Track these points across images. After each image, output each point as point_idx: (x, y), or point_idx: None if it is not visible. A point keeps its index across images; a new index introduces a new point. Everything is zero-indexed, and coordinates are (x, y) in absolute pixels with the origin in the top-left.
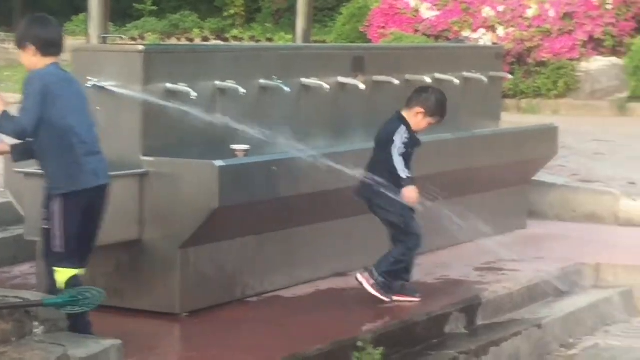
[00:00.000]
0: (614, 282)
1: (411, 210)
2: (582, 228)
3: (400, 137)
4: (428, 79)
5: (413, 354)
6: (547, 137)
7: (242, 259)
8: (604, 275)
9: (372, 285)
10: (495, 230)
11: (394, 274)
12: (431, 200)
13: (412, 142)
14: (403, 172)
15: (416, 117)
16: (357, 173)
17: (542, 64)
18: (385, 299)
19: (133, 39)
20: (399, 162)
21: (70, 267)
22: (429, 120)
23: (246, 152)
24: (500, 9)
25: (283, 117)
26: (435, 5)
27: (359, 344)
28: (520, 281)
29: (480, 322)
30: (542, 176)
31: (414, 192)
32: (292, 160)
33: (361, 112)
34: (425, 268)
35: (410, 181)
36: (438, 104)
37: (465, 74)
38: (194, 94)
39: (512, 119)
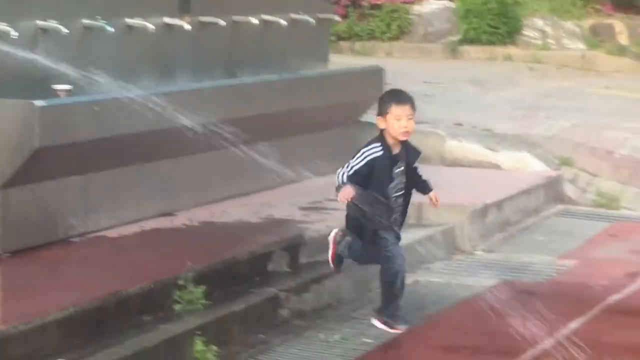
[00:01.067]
0: (436, 220)
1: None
2: None
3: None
4: (255, 21)
5: (235, 292)
6: (373, 78)
7: (65, 199)
8: (426, 214)
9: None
10: (323, 170)
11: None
12: (255, 142)
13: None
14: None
15: (383, 125)
16: (183, 114)
17: (376, 6)
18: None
19: None
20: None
21: None
22: (389, 117)
23: (68, 92)
24: None
25: (107, 58)
26: None
27: (180, 282)
28: (343, 220)
29: (303, 260)
30: (370, 117)
31: (344, 193)
32: (115, 101)
33: (187, 53)
34: (251, 208)
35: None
36: (382, 98)
37: (293, 15)
38: (14, 33)
39: (344, 61)
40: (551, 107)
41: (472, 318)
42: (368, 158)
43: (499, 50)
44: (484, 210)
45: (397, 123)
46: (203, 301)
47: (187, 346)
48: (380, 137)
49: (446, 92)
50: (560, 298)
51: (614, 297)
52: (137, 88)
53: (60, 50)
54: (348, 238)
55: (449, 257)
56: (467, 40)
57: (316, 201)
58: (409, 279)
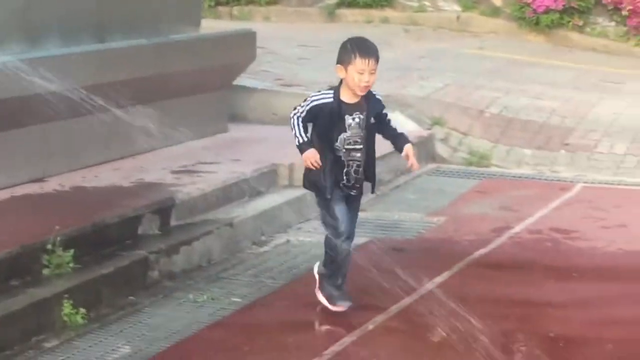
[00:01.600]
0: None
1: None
2: (281, 131)
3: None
4: None
5: (105, 255)
6: (245, 42)
7: None
8: (298, 175)
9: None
10: (196, 134)
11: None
12: (127, 107)
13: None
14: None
15: (342, 75)
16: (52, 79)
17: None
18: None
19: None
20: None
21: None
22: (350, 69)
23: None
24: None
25: None
26: None
27: (49, 246)
28: (215, 182)
29: (174, 223)
30: (243, 81)
31: (308, 157)
32: None
33: (55, 19)
34: (123, 172)
35: (306, 146)
36: (345, 46)
37: None
38: None
39: (222, 26)
40: (425, 68)
41: None
42: (312, 104)
43: (376, 12)
44: None
45: (358, 77)
46: (72, 265)
47: (55, 309)
48: (337, 86)
49: (322, 54)
50: (428, 253)
51: (480, 252)
52: (3, 54)
53: None
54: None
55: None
56: (345, 4)
57: (188, 164)
58: (281, 239)
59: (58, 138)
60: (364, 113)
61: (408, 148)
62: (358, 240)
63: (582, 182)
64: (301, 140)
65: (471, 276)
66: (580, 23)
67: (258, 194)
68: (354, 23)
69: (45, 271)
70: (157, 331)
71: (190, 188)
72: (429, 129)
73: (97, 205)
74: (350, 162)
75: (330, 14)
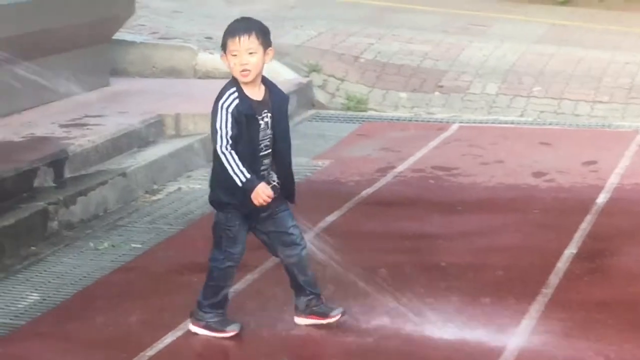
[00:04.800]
0: (194, 130)
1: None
2: (162, 83)
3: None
4: None
5: (4, 207)
6: None
7: None
8: (184, 124)
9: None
10: (79, 88)
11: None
12: (10, 63)
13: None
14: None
15: (227, 65)
16: None
17: None
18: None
19: None
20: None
21: None
22: (228, 54)
23: None
24: None
25: None
26: None
27: None
28: (105, 134)
29: (68, 174)
30: (122, 35)
31: (259, 191)
32: None
33: None
34: (12, 128)
35: (251, 182)
36: (225, 30)
37: None
38: None
39: None
40: (298, 17)
41: None
42: (230, 110)
43: None
44: None
45: (232, 60)
46: None
47: None
48: (233, 81)
49: (195, 7)
50: (318, 195)
51: (367, 191)
52: None
53: None
54: None
55: (208, 165)
56: None
57: (76, 118)
58: (173, 187)
59: None
60: (269, 110)
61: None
62: None
63: (458, 122)
64: (244, 178)
65: (361, 214)
66: None
67: (147, 144)
68: None
69: None
70: (63, 278)
71: (81, 140)
72: (307, 76)
73: None
74: (260, 171)
75: None
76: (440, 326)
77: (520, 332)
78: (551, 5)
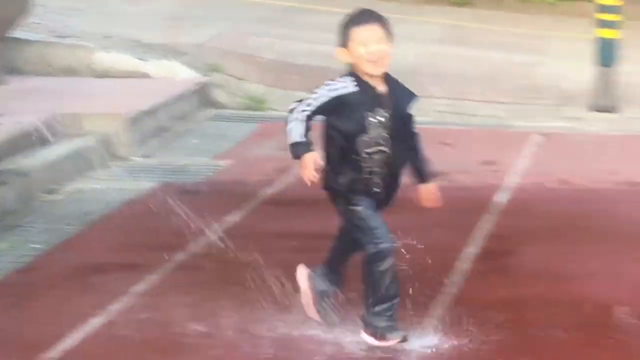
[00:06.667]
0: (92, 129)
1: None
2: (60, 81)
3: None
4: None
5: None
6: None
7: None
8: (82, 124)
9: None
10: None
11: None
12: None
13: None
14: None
15: (350, 57)
16: None
17: None
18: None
19: None
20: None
21: None
22: (352, 45)
23: None
24: None
25: None
26: None
27: None
28: (3, 134)
29: None
30: (16, 33)
31: (307, 161)
32: None
33: None
34: None
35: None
36: (341, 25)
37: None
38: None
39: None
40: (198, 16)
41: (136, 218)
42: (333, 93)
43: None
44: (138, 118)
45: (364, 50)
46: None
47: None
48: (351, 71)
49: (93, 5)
50: (219, 195)
51: (267, 191)
52: None
53: None
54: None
55: (108, 165)
56: None
57: None
58: (72, 187)
59: None
60: (389, 108)
61: (431, 186)
62: (147, 184)
63: None
64: (298, 139)
65: (263, 213)
66: None
67: (45, 144)
68: None
69: None
70: None
71: None
72: (207, 75)
73: None
74: (374, 170)
75: None
76: (340, 328)
77: (420, 332)
78: (448, 6)
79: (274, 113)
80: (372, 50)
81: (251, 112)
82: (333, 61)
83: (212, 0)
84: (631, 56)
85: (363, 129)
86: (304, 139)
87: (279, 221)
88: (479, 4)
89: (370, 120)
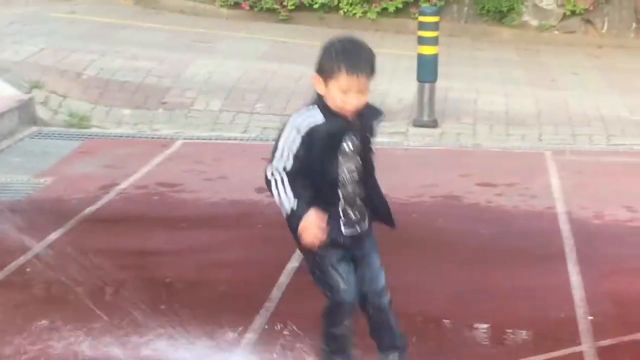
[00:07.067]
0: None
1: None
2: None
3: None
4: None
5: None
6: None
7: None
8: None
9: None
10: None
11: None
12: None
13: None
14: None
15: (323, 90)
16: None
17: None
18: None
19: None
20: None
21: None
22: (332, 85)
23: None
24: None
25: None
26: None
27: None
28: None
29: None
30: None
31: (309, 226)
32: None
33: None
34: None
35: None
36: (329, 51)
37: None
38: None
39: None
40: (16, 32)
41: None
42: (304, 131)
43: None
44: None
45: (341, 96)
46: None
47: None
48: (318, 100)
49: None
50: (40, 213)
51: (91, 208)
52: None
53: None
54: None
55: None
56: None
57: None
58: None
59: None
60: (358, 131)
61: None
62: None
63: (181, 139)
64: (293, 206)
65: (85, 231)
66: None
67: None
68: None
69: None
70: None
71: None
72: (29, 92)
73: None
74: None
75: None
76: (161, 345)
77: (243, 347)
78: (273, 22)
79: (97, 130)
80: (350, 101)
81: (74, 130)
82: (153, 77)
83: (29, 15)
84: (450, 72)
85: (335, 157)
86: (296, 203)
87: (101, 238)
88: (302, 20)
89: (343, 149)
